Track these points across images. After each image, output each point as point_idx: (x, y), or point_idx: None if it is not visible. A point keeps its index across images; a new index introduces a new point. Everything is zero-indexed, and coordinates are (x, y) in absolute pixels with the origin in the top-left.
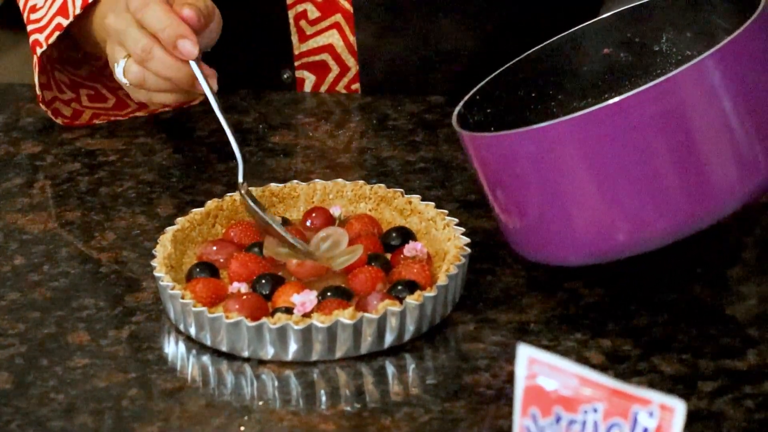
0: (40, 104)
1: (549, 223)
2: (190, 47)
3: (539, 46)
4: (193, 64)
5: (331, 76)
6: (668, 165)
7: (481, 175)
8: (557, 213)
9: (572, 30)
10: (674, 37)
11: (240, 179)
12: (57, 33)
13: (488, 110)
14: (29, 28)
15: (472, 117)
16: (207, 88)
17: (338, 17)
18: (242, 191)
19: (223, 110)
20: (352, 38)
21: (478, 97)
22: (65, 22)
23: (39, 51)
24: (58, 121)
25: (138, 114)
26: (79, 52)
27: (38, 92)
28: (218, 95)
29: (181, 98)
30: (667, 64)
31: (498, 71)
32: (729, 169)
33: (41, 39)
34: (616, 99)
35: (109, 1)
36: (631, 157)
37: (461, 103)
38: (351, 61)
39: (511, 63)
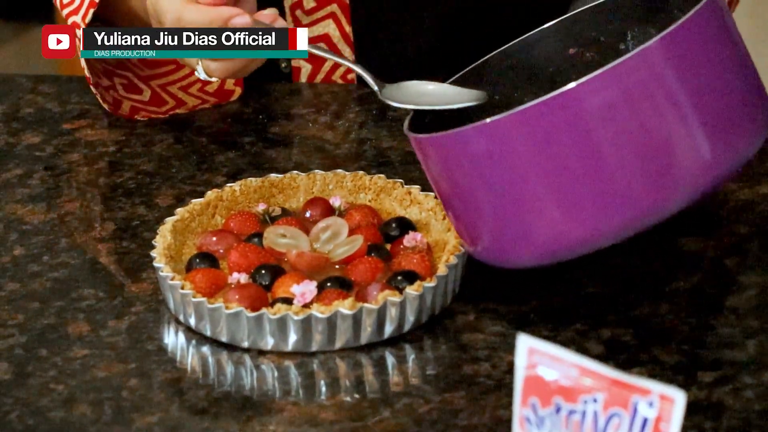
0: (90, 86)
1: (502, 224)
2: (242, 21)
3: (502, 48)
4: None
5: (327, 66)
6: (618, 157)
7: (431, 178)
8: (509, 213)
9: (536, 30)
10: (639, 35)
11: (376, 88)
12: (91, 10)
13: (446, 113)
14: (64, 12)
15: (430, 121)
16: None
17: (334, 7)
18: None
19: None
20: (348, 28)
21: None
22: None
23: (79, 32)
24: (105, 106)
25: (178, 111)
26: None
27: (87, 74)
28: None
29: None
30: None
31: (459, 74)
32: (681, 160)
33: (78, 20)
34: (562, 89)
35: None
36: (580, 149)
37: (413, 110)
38: (347, 51)
39: (474, 65)
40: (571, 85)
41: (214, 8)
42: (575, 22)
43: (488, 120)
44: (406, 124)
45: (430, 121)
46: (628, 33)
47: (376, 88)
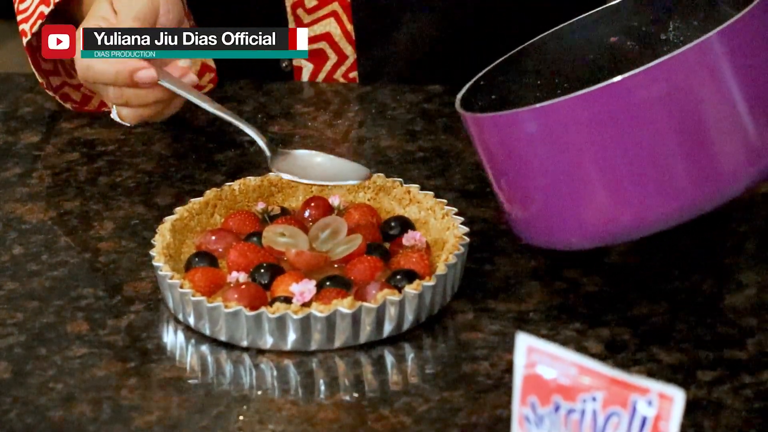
0: (47, 90)
1: (552, 206)
2: (146, 74)
3: (545, 33)
4: (162, 82)
5: (328, 65)
6: (672, 146)
7: (484, 158)
8: (561, 195)
9: (579, 17)
10: (681, 25)
11: (267, 154)
12: (39, 21)
13: (492, 96)
14: (18, 18)
15: (476, 102)
16: (189, 95)
17: (335, 5)
18: (273, 169)
19: (214, 101)
20: (349, 26)
21: (482, 82)
22: (46, 10)
23: (25, 41)
24: (68, 105)
25: None
26: None
27: (40, 79)
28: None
29: (181, 100)
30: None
31: (503, 57)
32: (734, 152)
33: (26, 28)
34: (620, 77)
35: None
36: (635, 137)
37: (465, 88)
38: (349, 50)
39: (517, 50)
40: (630, 72)
41: (121, 60)
42: (617, 11)
43: (547, 103)
44: (458, 102)
45: (481, 98)
46: (670, 23)
47: (268, 153)
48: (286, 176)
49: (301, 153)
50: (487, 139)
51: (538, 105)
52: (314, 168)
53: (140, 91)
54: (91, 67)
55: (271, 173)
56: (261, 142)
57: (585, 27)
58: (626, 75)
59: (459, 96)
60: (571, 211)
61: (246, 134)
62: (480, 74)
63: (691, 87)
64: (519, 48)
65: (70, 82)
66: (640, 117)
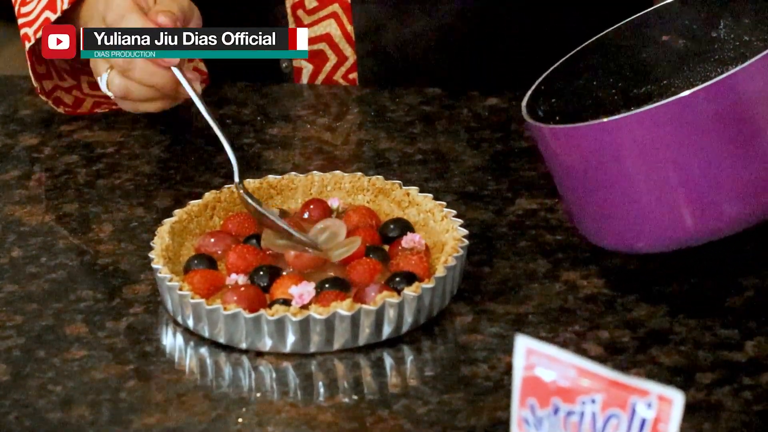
0: (40, 95)
1: (617, 212)
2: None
3: (601, 34)
4: (175, 69)
5: (328, 66)
6: (734, 156)
7: (553, 164)
8: (625, 202)
9: (631, 18)
10: (732, 23)
11: (236, 179)
12: (42, 29)
13: (552, 100)
14: (20, 21)
15: (539, 108)
16: (192, 93)
17: (335, 7)
18: (239, 190)
19: (211, 112)
20: (349, 27)
21: (542, 87)
22: (53, 17)
23: (27, 45)
24: (60, 110)
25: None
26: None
27: (35, 84)
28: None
29: (166, 105)
30: (725, 50)
31: (560, 61)
32: None
33: (30, 33)
34: (684, 94)
35: (89, 9)
36: (711, 144)
37: (528, 95)
38: (348, 51)
39: (572, 53)
40: (711, 81)
41: (150, 25)
42: (667, 10)
43: (629, 113)
44: (524, 110)
45: (542, 103)
46: (721, 21)
47: (236, 180)
48: (251, 202)
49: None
50: (555, 147)
51: (619, 116)
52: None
53: (150, 67)
54: (121, 23)
55: (270, 175)
56: (234, 165)
57: (638, 27)
58: (689, 91)
59: (524, 103)
60: (635, 217)
61: (245, 136)
62: (539, 79)
63: (749, 100)
64: (574, 51)
65: (62, 86)
66: (700, 131)
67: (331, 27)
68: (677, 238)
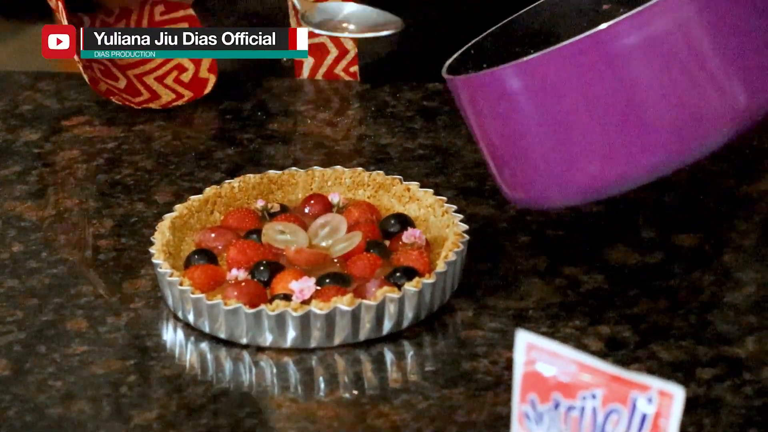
0: (75, 56)
1: (533, 162)
2: None
3: (533, 5)
4: None
5: (329, 59)
6: (651, 96)
7: (470, 120)
8: (544, 151)
9: None
10: None
11: (298, 6)
12: None
13: (483, 65)
14: None
15: (466, 71)
16: None
17: None
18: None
19: None
20: None
21: (472, 51)
22: None
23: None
24: (86, 77)
25: (150, 105)
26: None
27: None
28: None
29: None
30: None
31: (494, 27)
32: (711, 101)
33: None
34: (595, 29)
35: None
36: (614, 88)
37: (454, 57)
38: (349, 44)
39: (508, 19)
40: (604, 25)
41: None
42: None
43: (524, 59)
44: (445, 69)
45: (471, 67)
46: None
47: (299, 6)
48: (320, 32)
49: (330, 5)
50: (469, 98)
51: (519, 60)
52: (346, 19)
53: None
54: None
55: (270, 171)
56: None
57: None
58: (603, 26)
59: (447, 64)
60: (552, 165)
61: (245, 131)
62: (470, 43)
63: (669, 37)
64: (510, 18)
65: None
66: (618, 68)
67: None
68: (593, 186)
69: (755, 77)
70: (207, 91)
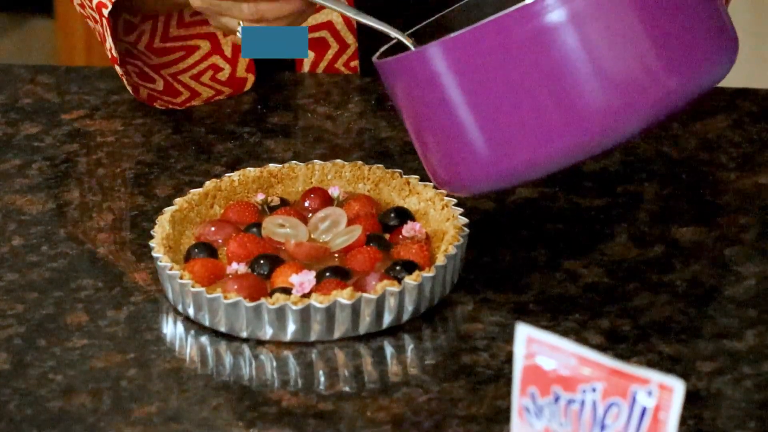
0: (116, 67)
1: (460, 145)
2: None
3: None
4: None
5: (330, 53)
6: (571, 75)
7: (397, 102)
8: (468, 132)
9: None
10: None
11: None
12: None
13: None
14: None
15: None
16: (327, 2)
17: None
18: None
19: (351, 7)
20: None
21: (413, 39)
22: None
23: (106, 12)
24: (129, 89)
25: (194, 103)
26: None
27: (114, 54)
28: None
29: (309, 13)
30: None
31: (421, 24)
32: (639, 81)
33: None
34: (521, 4)
35: None
36: (541, 66)
37: (387, 45)
38: (350, 38)
39: (437, 15)
40: (519, 5)
41: None
42: None
43: (448, 36)
44: (375, 57)
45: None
46: None
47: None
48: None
49: None
50: (397, 82)
51: (444, 38)
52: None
53: (277, 3)
54: None
55: (270, 164)
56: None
57: None
58: (516, 6)
59: (378, 52)
60: (485, 150)
61: (246, 125)
62: (408, 32)
63: (588, 13)
64: (442, 13)
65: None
66: (548, 44)
67: (332, 14)
68: (506, 171)
69: (680, 60)
70: (246, 88)
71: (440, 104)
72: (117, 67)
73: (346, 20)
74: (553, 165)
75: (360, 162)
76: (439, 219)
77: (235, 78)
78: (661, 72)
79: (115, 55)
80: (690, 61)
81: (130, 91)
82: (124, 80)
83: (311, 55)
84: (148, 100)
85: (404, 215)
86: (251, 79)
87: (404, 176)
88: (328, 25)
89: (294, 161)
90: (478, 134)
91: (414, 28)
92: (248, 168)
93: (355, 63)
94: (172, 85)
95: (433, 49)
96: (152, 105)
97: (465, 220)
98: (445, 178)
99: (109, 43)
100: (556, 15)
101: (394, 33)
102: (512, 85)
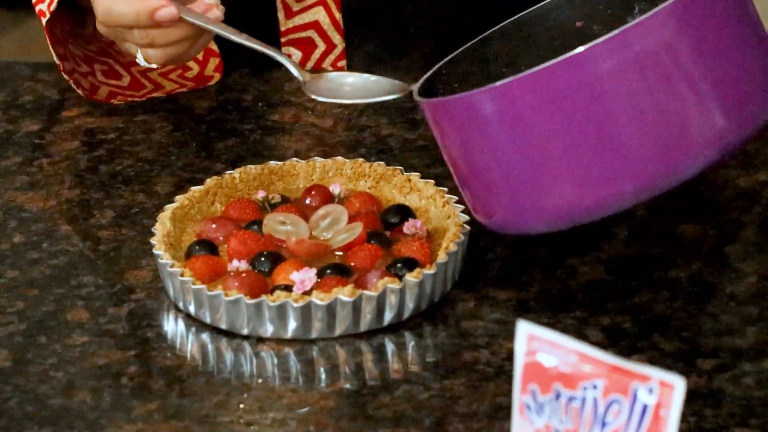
0: (62, 73)
1: (512, 189)
2: (167, 12)
3: (510, 19)
4: (185, 16)
5: (317, 53)
6: (628, 121)
7: (442, 144)
8: (521, 177)
9: (543, 2)
10: (646, 8)
11: (300, 78)
12: (56, 0)
13: (455, 86)
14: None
15: (438, 92)
16: (214, 28)
17: None
18: (308, 93)
19: (241, 33)
20: (338, 15)
21: (444, 72)
22: None
23: (44, 20)
24: (79, 92)
25: (155, 95)
26: (87, 28)
27: (57, 61)
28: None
29: (209, 37)
30: None
31: (465, 46)
32: (692, 127)
33: (44, 8)
34: (572, 52)
35: None
36: (590, 112)
37: (424, 78)
38: (337, 38)
39: (479, 37)
40: (581, 48)
41: (141, 0)
42: None
43: (498, 83)
44: (416, 91)
45: (443, 87)
46: (636, 6)
47: (300, 78)
48: (322, 99)
49: (333, 75)
50: (442, 123)
51: (488, 86)
52: (350, 86)
53: (164, 29)
54: (112, 10)
55: (271, 161)
56: (293, 69)
57: (550, 12)
58: (576, 50)
59: (417, 86)
60: (533, 194)
61: (246, 122)
62: (441, 63)
63: (646, 60)
64: (482, 36)
65: (79, 70)
66: (594, 93)
67: (319, 14)
68: (568, 214)
69: (735, 103)
70: (211, 83)
71: (492, 147)
72: (64, 74)
73: (334, 20)
74: (599, 212)
75: (361, 159)
76: (440, 216)
77: (202, 76)
78: (713, 117)
79: (58, 62)
80: (741, 105)
81: (82, 93)
82: (73, 83)
83: (298, 54)
84: (106, 98)
85: (405, 212)
86: (217, 77)
87: (405, 173)
88: (315, 25)
89: (295, 158)
90: (529, 177)
91: (447, 58)
92: (249, 165)
93: (342, 63)
94: (138, 81)
95: (486, 93)
96: (109, 102)
97: (466, 217)
98: (493, 219)
99: (52, 51)
100: (610, 61)
101: (281, 59)
102: (564, 131)
